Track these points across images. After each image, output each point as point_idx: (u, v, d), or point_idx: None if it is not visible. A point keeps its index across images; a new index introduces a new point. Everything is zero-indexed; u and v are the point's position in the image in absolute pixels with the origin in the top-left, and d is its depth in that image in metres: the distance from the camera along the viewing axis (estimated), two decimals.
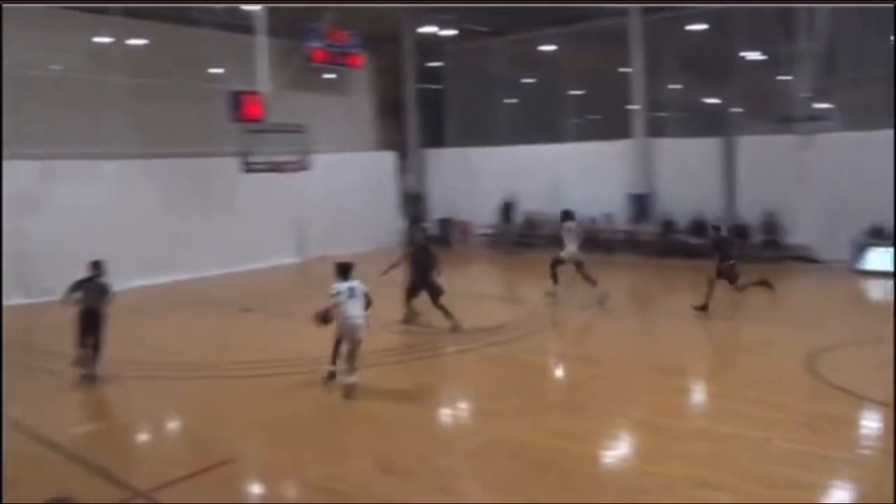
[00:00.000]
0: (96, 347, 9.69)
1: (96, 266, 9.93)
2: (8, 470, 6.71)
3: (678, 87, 20.20)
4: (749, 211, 18.20)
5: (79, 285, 9.74)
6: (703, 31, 19.23)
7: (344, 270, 9.00)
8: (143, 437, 8.25)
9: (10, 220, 14.96)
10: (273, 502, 6.50)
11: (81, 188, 16.05)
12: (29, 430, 7.87)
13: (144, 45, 17.09)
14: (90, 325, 9.65)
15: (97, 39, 16.62)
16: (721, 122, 19.48)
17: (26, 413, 8.42)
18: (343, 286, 8.84)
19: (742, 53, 18.49)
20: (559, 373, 10.23)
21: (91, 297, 9.68)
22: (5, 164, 14.96)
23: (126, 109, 16.90)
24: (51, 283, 15.45)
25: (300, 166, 15.84)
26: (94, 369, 9.68)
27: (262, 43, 15.83)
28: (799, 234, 17.72)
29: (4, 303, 14.54)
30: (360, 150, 22.77)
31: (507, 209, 21.69)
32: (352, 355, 8.82)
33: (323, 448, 7.35)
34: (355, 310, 8.78)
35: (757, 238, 17.86)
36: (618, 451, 7.24)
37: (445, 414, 8.74)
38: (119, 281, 15.32)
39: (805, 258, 17.53)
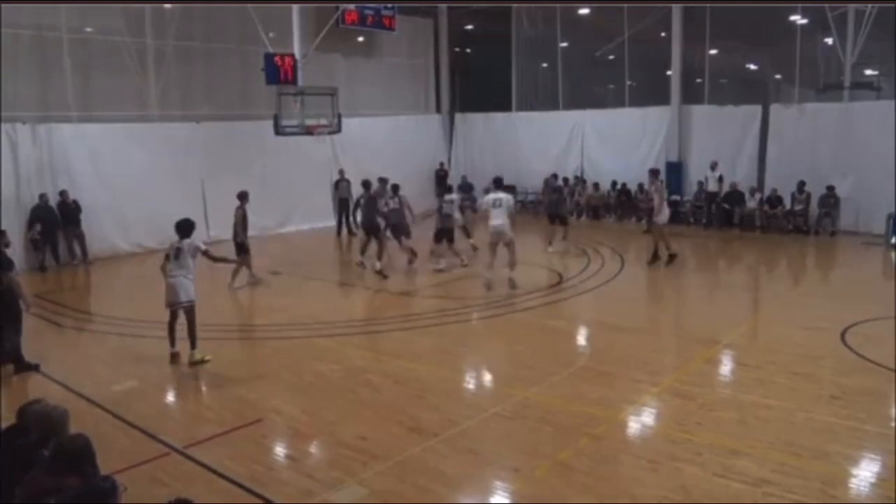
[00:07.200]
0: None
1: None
2: None
3: (716, 52, 19.70)
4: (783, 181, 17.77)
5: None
6: None
7: None
8: (179, 395, 8.45)
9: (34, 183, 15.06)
10: (308, 459, 6.61)
11: (119, 151, 16.15)
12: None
13: (181, 9, 17.01)
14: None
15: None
16: (763, 90, 19.01)
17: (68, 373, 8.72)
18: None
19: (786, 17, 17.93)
20: (588, 340, 10.22)
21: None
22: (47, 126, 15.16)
23: (163, 72, 16.98)
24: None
25: (331, 129, 15.84)
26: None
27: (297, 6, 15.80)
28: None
29: None
30: (393, 113, 22.65)
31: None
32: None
33: (354, 408, 7.48)
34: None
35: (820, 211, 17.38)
36: (647, 417, 7.25)
37: (474, 378, 8.82)
38: (156, 241, 15.79)
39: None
